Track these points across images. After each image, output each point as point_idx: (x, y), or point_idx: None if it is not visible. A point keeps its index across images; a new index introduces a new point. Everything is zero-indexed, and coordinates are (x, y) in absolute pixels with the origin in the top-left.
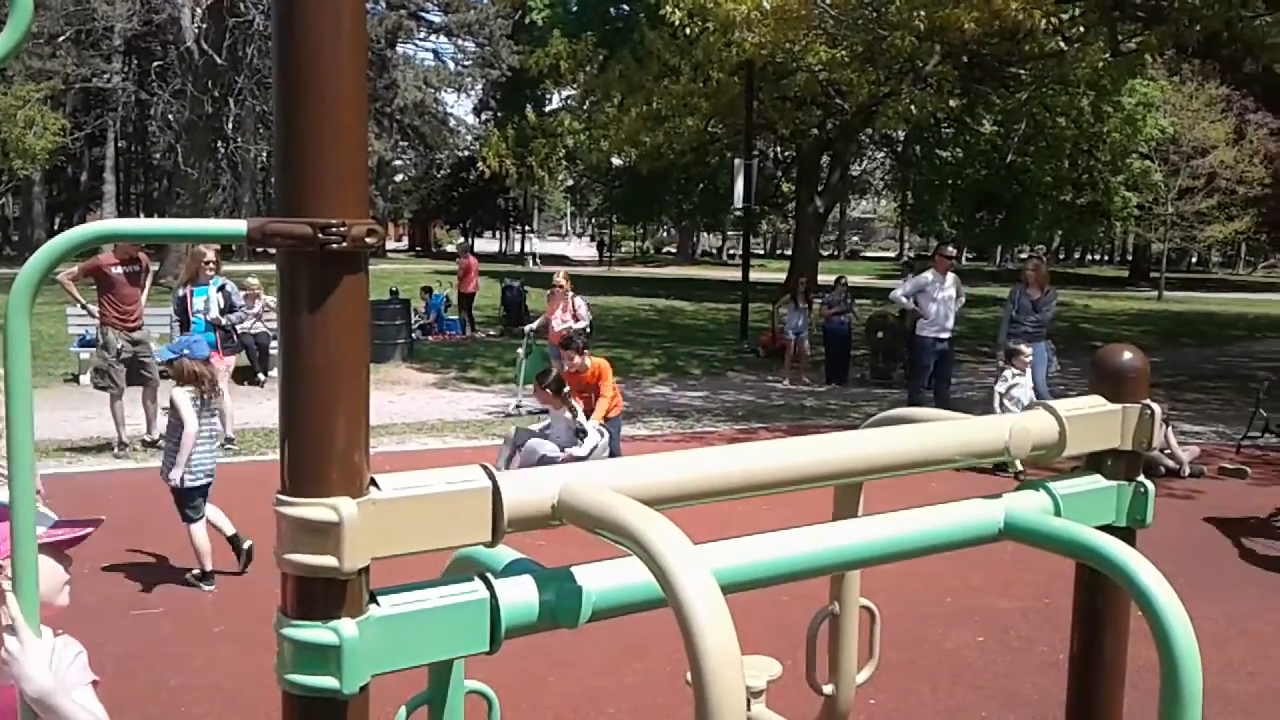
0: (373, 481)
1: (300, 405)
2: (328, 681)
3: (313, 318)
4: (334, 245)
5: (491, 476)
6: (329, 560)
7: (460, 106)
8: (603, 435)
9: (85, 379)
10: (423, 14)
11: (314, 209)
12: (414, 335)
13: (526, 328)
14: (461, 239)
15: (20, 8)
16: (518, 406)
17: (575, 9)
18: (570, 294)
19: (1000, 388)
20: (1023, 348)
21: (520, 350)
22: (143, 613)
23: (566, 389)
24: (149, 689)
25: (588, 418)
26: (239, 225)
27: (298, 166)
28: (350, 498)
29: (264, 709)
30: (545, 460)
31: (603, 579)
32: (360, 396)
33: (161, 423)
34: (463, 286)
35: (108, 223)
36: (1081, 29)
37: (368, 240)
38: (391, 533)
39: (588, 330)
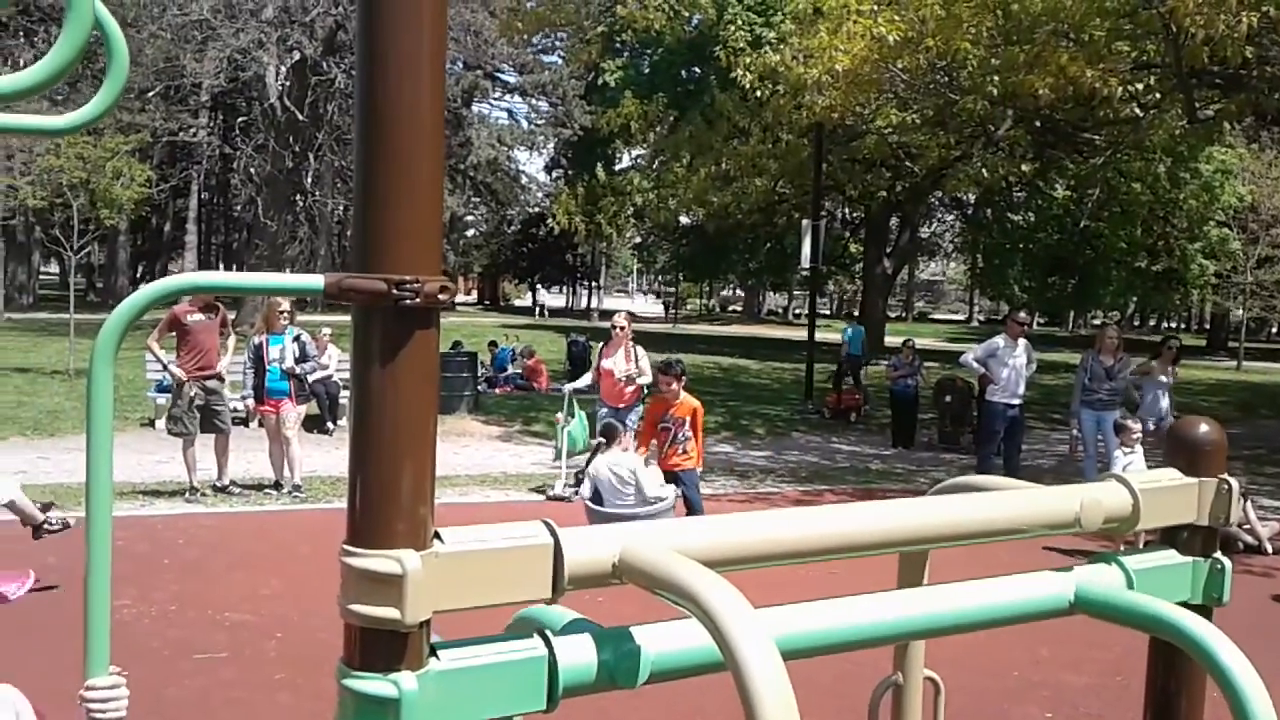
0: (437, 535)
1: (369, 456)
2: None
3: (384, 371)
4: (407, 301)
5: (553, 533)
6: (392, 612)
7: (532, 164)
8: (666, 496)
9: (160, 424)
10: (498, 74)
11: (389, 265)
12: (480, 388)
13: (565, 387)
14: (534, 299)
15: (117, 65)
16: (566, 485)
17: (647, 71)
18: (631, 341)
19: (1116, 469)
20: (1130, 423)
21: (560, 415)
22: (206, 657)
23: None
24: None
25: (660, 453)
26: (316, 280)
27: (374, 223)
28: (414, 550)
29: None
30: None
31: (662, 641)
32: (428, 450)
33: (232, 470)
34: (534, 382)
35: (191, 275)
36: (1158, 95)
37: (440, 297)
38: (454, 586)
39: (645, 390)
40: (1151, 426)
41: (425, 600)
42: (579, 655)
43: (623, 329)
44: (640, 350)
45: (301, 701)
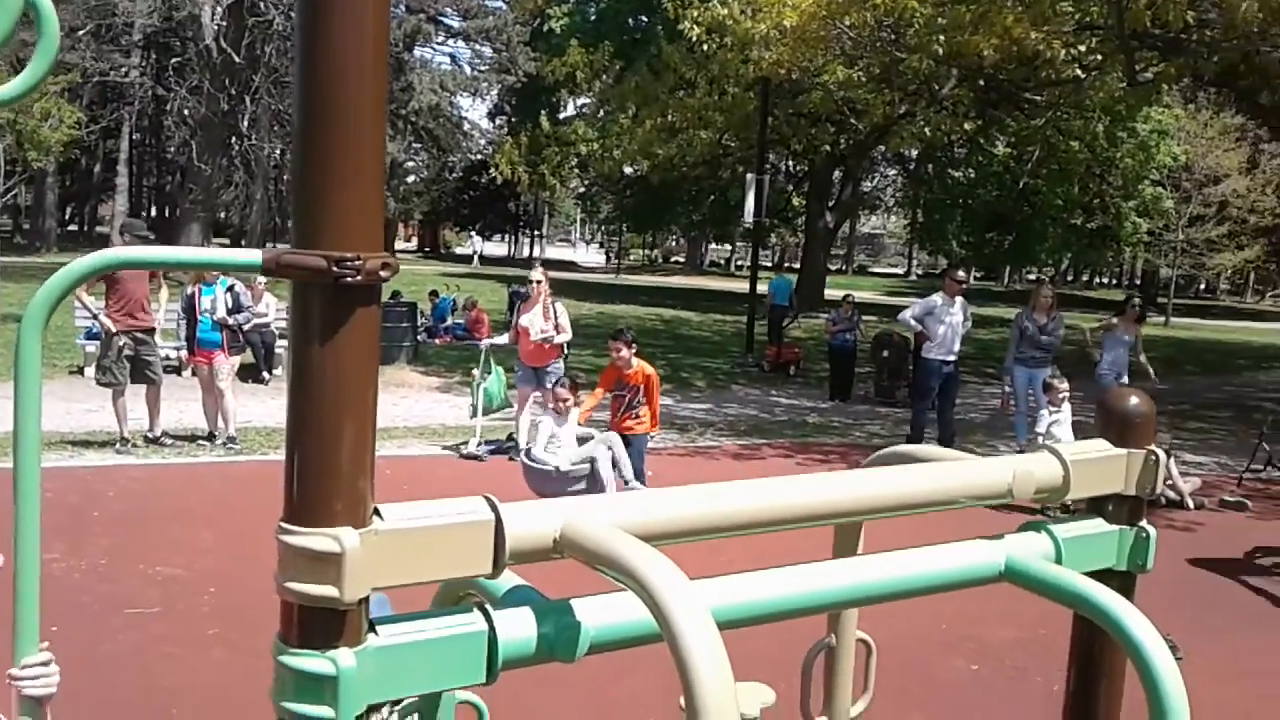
0: (376, 511)
1: (307, 434)
2: (323, 711)
3: (323, 349)
4: (348, 279)
5: (494, 508)
6: (330, 590)
7: (475, 111)
8: (607, 448)
9: (89, 371)
10: (441, 18)
11: (329, 242)
12: (419, 338)
13: (484, 343)
14: (474, 241)
15: (47, 38)
16: (480, 444)
17: (593, 19)
18: (549, 297)
19: (1040, 428)
20: (1057, 382)
21: (476, 372)
22: (138, 612)
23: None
24: (140, 690)
25: (618, 418)
26: (255, 255)
27: (315, 199)
28: (353, 528)
29: (255, 713)
30: (554, 478)
31: (602, 614)
32: (367, 428)
33: (164, 420)
34: (476, 333)
35: (123, 250)
36: (1099, 57)
37: (381, 274)
38: (393, 563)
39: (565, 349)
40: (1110, 378)
41: (364, 578)
42: (519, 629)
43: (539, 284)
44: (560, 307)
45: (236, 657)
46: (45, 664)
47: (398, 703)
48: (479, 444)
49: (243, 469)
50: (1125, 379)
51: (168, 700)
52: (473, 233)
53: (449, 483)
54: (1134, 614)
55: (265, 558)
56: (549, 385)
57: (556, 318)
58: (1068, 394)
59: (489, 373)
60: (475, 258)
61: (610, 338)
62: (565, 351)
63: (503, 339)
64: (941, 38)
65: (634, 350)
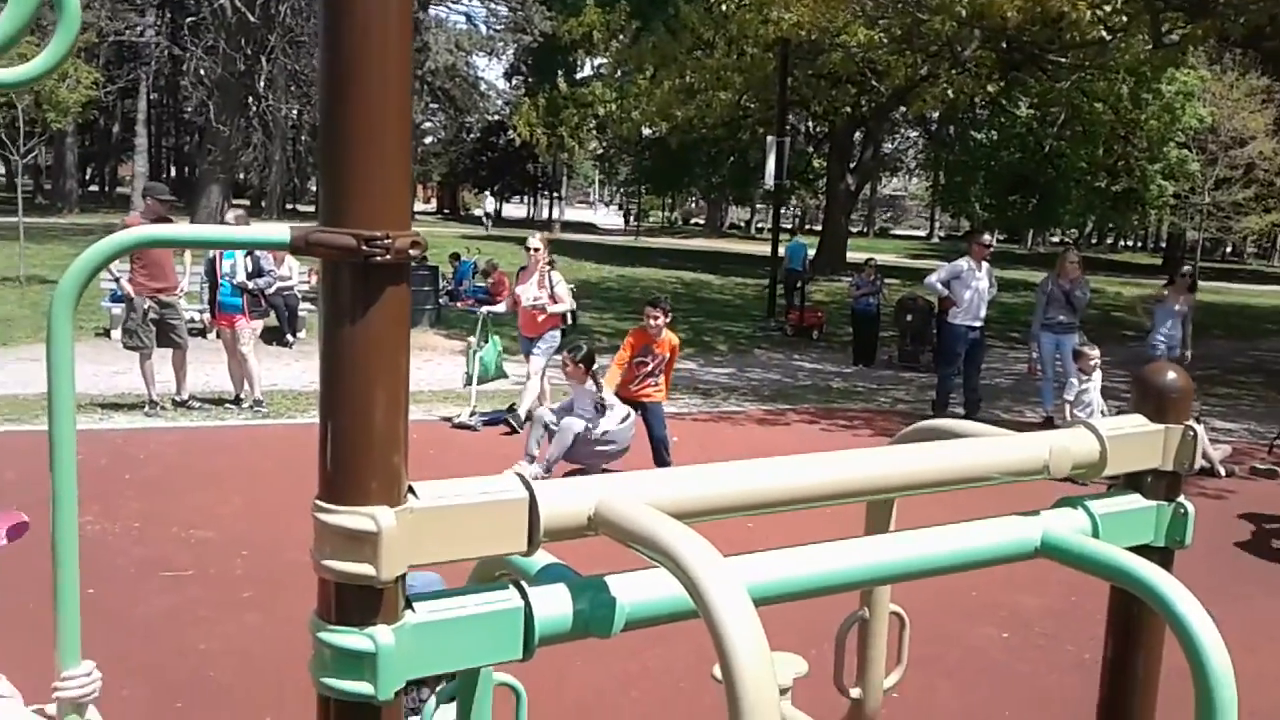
0: (411, 489)
1: (340, 414)
2: (362, 687)
3: (354, 328)
4: (377, 257)
5: (528, 487)
6: (366, 568)
7: (491, 71)
8: (627, 412)
9: (116, 334)
10: None
11: (358, 220)
12: (441, 301)
13: (482, 310)
14: (486, 202)
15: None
16: (473, 414)
17: None
18: (547, 265)
19: (1069, 395)
20: (1088, 350)
21: (472, 339)
22: (172, 575)
23: (596, 366)
24: (176, 653)
25: (636, 384)
26: (283, 233)
27: (342, 177)
28: (388, 506)
29: (289, 678)
30: (579, 440)
31: (637, 589)
32: (400, 406)
33: (191, 384)
34: (497, 296)
35: (151, 229)
36: (1124, 19)
37: (410, 252)
38: (428, 542)
39: (569, 319)
40: (1162, 349)
41: (400, 556)
42: (555, 606)
43: (537, 251)
44: (557, 276)
45: (270, 621)
46: (88, 674)
47: (439, 680)
48: (472, 413)
49: (270, 432)
50: (1178, 352)
51: (203, 663)
52: (487, 194)
53: (474, 447)
54: (1178, 588)
55: (295, 521)
56: (535, 353)
57: (552, 287)
58: (1098, 361)
59: (485, 341)
60: (486, 220)
61: (648, 304)
62: (569, 322)
63: (500, 307)
64: None
65: (669, 319)
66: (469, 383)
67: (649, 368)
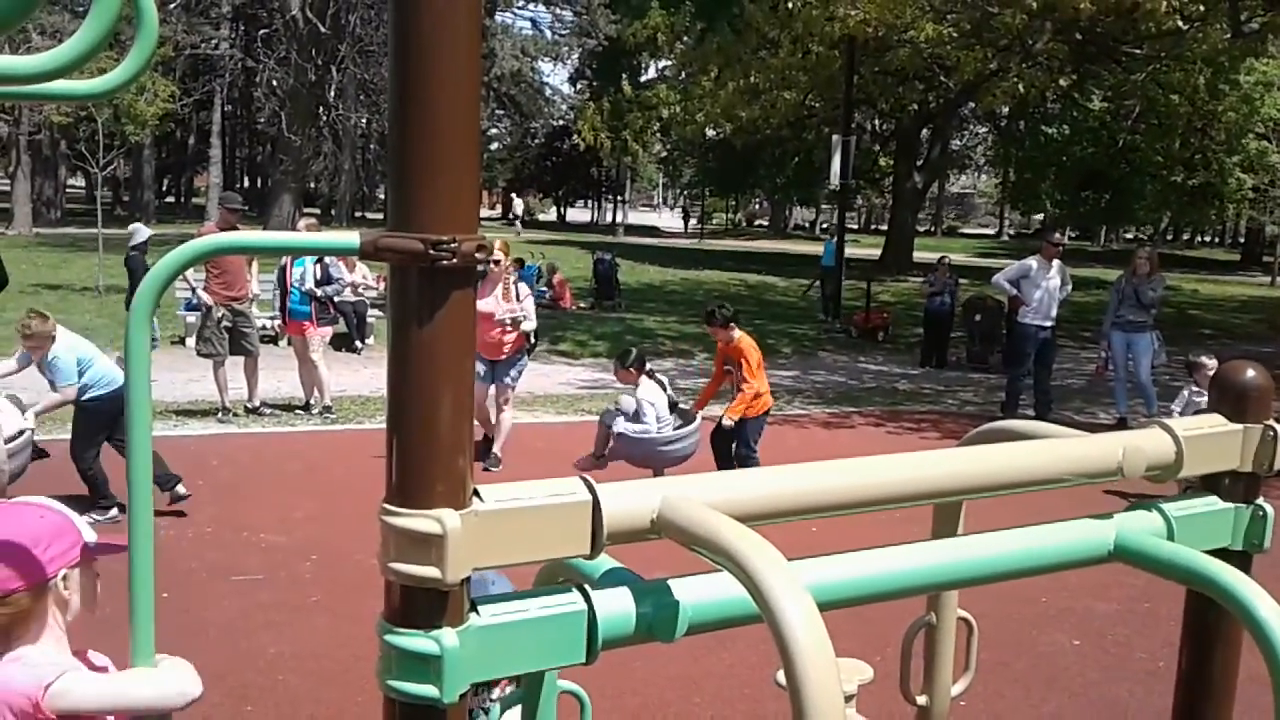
0: (476, 492)
1: (407, 417)
2: (428, 690)
3: (421, 331)
4: (444, 261)
5: (592, 490)
6: (432, 571)
7: (556, 76)
8: (693, 420)
9: (190, 341)
10: None
11: (426, 224)
12: None
13: None
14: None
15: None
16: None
17: None
18: (512, 276)
19: (1177, 406)
20: (1205, 359)
21: None
22: (243, 579)
23: (649, 366)
24: (247, 656)
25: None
26: (353, 239)
27: (411, 182)
28: (454, 509)
29: (357, 681)
30: (644, 443)
31: (700, 593)
32: (465, 410)
33: (263, 390)
34: (559, 301)
35: (223, 236)
36: (1202, 8)
37: (477, 256)
38: (493, 544)
39: (532, 339)
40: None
41: (465, 559)
42: (617, 609)
43: (497, 265)
44: (524, 288)
45: (339, 624)
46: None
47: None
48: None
49: (339, 438)
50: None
51: (274, 666)
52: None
53: (537, 452)
54: (1258, 592)
55: (363, 526)
56: (507, 381)
57: (520, 300)
58: (1214, 369)
59: None
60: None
61: (705, 322)
62: (532, 343)
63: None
64: None
65: (728, 325)
66: None
67: (734, 377)
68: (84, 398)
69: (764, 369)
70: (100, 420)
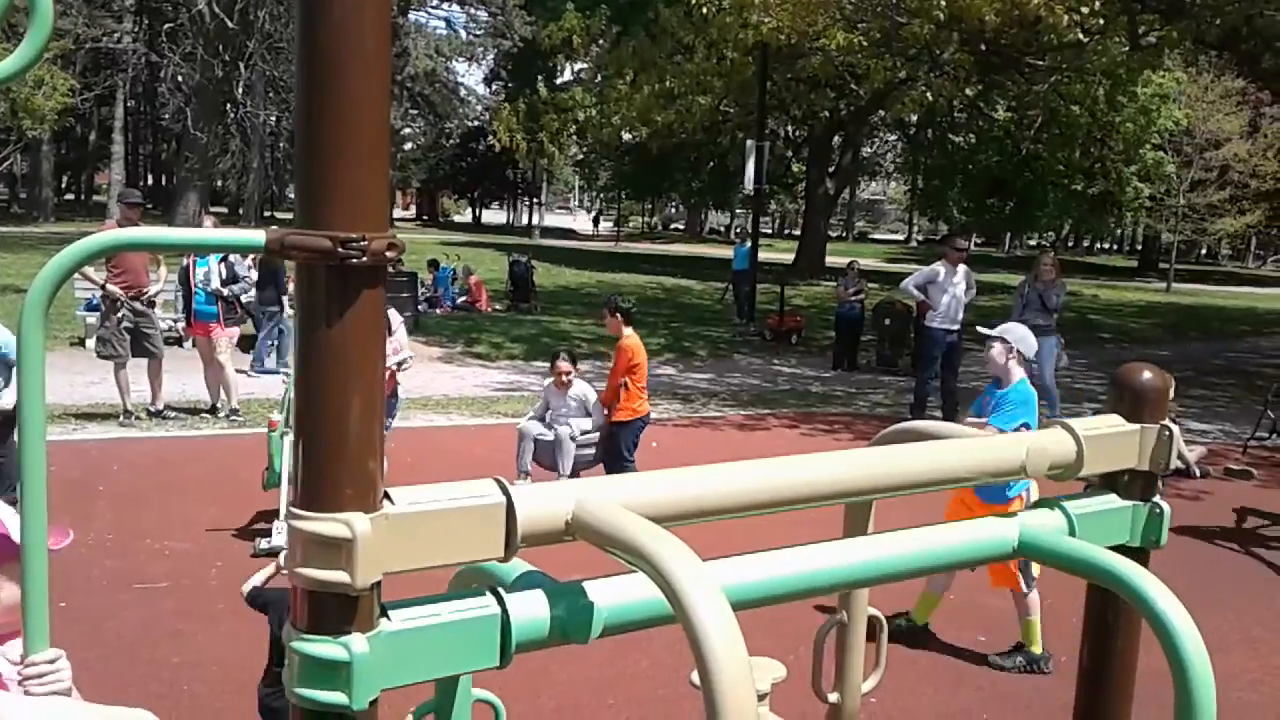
0: (386, 495)
1: (315, 418)
2: (337, 697)
3: (329, 331)
4: (354, 259)
5: (505, 492)
6: (341, 576)
7: (471, 76)
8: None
9: (90, 343)
10: None
11: (334, 222)
12: (420, 308)
13: (287, 375)
14: (469, 209)
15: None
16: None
17: None
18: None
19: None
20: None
21: (276, 418)
22: (146, 587)
23: (573, 375)
24: (151, 666)
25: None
26: (258, 236)
27: (318, 179)
28: (363, 513)
29: None
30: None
31: (615, 595)
32: (375, 411)
33: (167, 393)
34: (475, 303)
35: (124, 232)
36: (1101, 21)
37: (387, 255)
38: (404, 548)
39: (406, 362)
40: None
41: (375, 563)
42: (532, 612)
43: None
44: (393, 314)
45: (246, 632)
46: (53, 660)
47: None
48: (279, 530)
49: (246, 442)
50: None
51: (179, 675)
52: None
53: (452, 455)
54: (1157, 585)
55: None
56: (390, 421)
57: (390, 328)
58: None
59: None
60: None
61: (605, 307)
62: (397, 380)
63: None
64: (943, 2)
65: (621, 319)
66: (273, 482)
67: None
68: None
69: (643, 376)
70: None
